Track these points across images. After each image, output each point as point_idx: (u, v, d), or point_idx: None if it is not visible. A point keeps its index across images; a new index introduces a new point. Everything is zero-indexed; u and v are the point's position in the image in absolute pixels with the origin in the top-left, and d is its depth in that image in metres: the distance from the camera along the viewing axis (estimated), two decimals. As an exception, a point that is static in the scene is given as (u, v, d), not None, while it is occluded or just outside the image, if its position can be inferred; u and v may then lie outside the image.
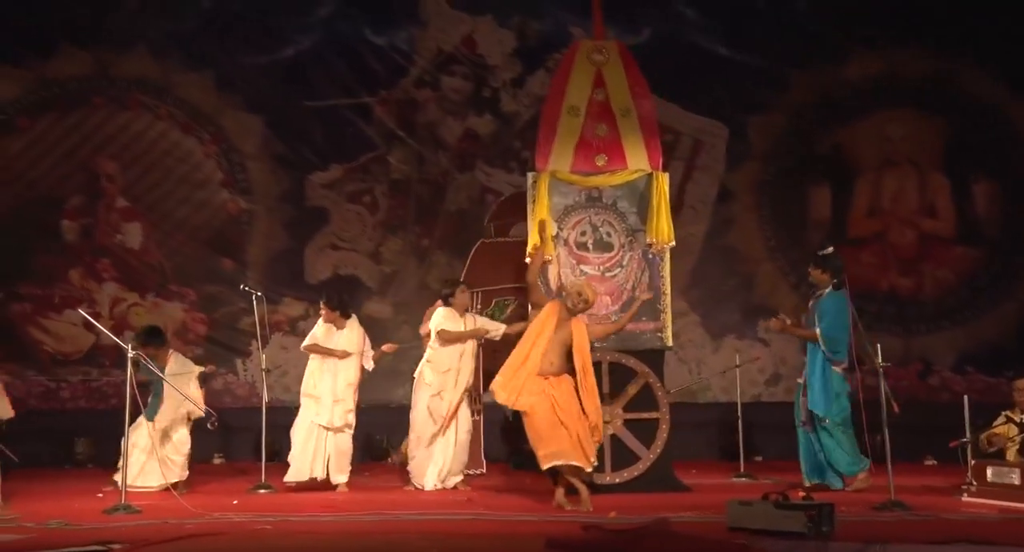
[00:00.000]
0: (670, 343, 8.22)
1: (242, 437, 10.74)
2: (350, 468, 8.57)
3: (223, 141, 11.81)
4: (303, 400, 8.59)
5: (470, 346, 8.55)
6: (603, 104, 8.32)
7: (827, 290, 8.00)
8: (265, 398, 8.83)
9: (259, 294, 8.95)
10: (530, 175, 8.31)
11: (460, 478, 8.57)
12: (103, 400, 11.22)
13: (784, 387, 11.05)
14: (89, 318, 8.31)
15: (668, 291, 8.20)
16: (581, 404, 7.34)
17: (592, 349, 7.66)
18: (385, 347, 9.08)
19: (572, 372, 7.47)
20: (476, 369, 8.65)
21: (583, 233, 8.24)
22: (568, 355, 7.47)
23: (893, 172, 11.79)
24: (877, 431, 7.22)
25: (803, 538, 5.59)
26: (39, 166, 11.65)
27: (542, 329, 7.49)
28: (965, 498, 7.32)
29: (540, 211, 8.12)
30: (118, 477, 8.25)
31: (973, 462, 7.52)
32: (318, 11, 11.82)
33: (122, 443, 7.84)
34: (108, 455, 8.68)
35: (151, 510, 7.03)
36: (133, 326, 11.40)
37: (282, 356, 10.99)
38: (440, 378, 8.48)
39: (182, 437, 8.50)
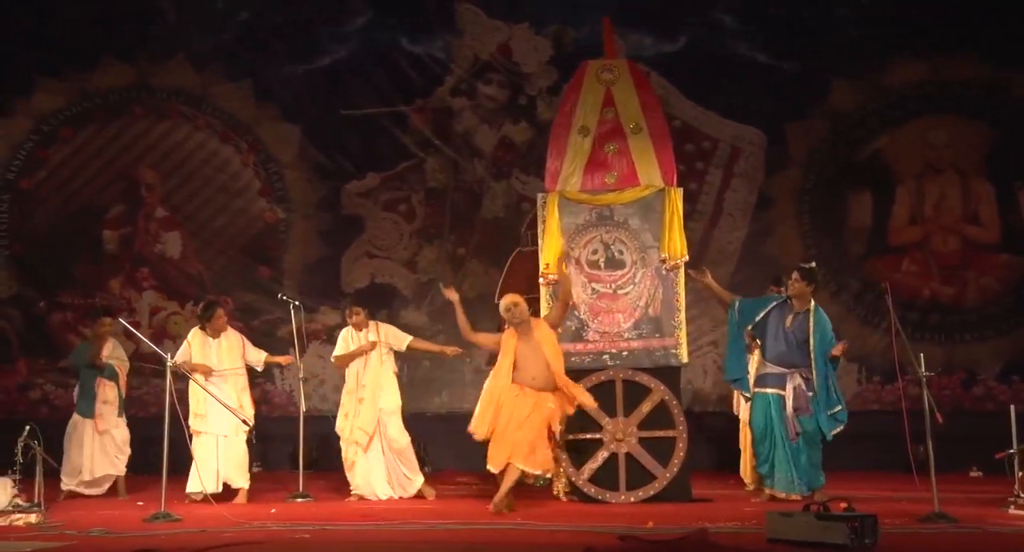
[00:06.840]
0: (685, 360, 8.11)
1: (279, 446, 10.76)
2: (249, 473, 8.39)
3: (260, 150, 11.90)
4: (195, 418, 8.21)
5: (372, 362, 8.43)
6: (613, 122, 8.26)
7: (811, 304, 7.80)
8: (303, 407, 8.85)
9: (296, 303, 8.96)
10: (540, 196, 8.31)
11: (416, 484, 8.43)
12: (143, 408, 11.27)
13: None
14: (129, 327, 8.40)
15: (683, 308, 8.08)
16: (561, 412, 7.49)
17: (605, 367, 7.85)
18: (280, 359, 8.92)
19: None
20: (390, 386, 8.49)
21: (594, 252, 8.16)
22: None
23: (936, 179, 11.60)
24: (920, 441, 7.10)
25: (845, 551, 5.51)
26: (81, 176, 11.80)
27: (503, 358, 7.52)
28: (1012, 511, 7.15)
29: (551, 231, 8.10)
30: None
31: (1020, 474, 7.38)
32: (355, 21, 11.88)
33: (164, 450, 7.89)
34: (149, 462, 8.73)
35: (190, 519, 7.07)
36: (172, 335, 11.53)
37: (319, 365, 11.06)
38: (346, 398, 8.47)
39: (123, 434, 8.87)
